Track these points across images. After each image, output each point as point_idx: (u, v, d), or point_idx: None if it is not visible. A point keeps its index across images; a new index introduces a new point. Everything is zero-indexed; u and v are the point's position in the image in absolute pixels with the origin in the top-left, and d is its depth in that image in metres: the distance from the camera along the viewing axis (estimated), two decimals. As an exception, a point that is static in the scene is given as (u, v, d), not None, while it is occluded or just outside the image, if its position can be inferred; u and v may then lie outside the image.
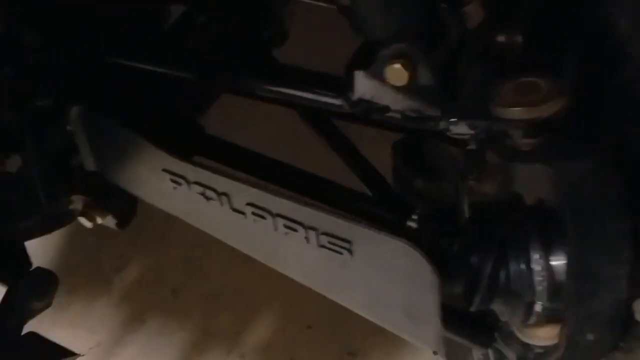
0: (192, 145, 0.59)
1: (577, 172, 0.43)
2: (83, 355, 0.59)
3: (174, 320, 1.12)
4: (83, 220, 0.67)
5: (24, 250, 0.63)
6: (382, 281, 0.48)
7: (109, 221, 0.67)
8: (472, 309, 0.54)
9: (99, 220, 0.68)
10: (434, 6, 0.44)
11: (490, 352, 0.65)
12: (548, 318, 0.52)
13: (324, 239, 0.48)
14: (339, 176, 0.65)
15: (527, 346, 0.57)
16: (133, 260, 1.21)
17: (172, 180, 0.55)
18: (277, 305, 1.08)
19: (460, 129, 0.46)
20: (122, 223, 0.68)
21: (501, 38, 0.43)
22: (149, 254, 1.20)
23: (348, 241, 0.47)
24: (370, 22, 0.43)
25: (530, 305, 0.50)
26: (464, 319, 0.60)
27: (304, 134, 0.67)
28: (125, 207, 0.67)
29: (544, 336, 0.53)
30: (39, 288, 0.58)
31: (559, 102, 0.42)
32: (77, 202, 0.65)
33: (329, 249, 0.49)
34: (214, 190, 0.52)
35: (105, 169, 0.61)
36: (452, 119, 0.45)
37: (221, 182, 0.51)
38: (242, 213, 0.53)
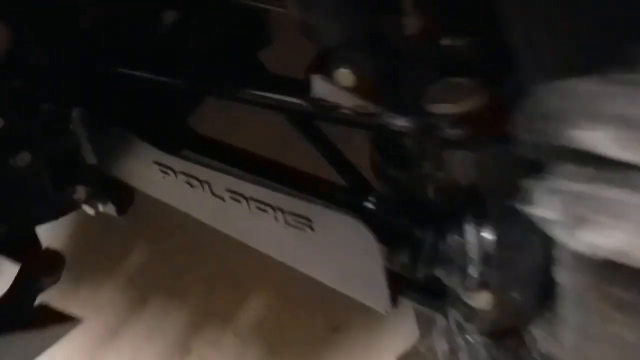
0: (180, 141, 0.67)
1: (494, 157, 0.51)
2: (82, 320, 0.67)
3: (174, 302, 1.21)
4: (86, 208, 0.76)
5: (34, 234, 0.71)
6: (338, 251, 0.57)
7: (110, 208, 0.76)
8: (418, 274, 0.63)
9: (101, 208, 0.77)
10: (376, 18, 0.52)
11: (451, 319, 0.74)
12: (482, 282, 0.61)
13: (290, 218, 0.57)
14: (321, 169, 0.74)
15: (471, 309, 0.66)
16: (137, 249, 1.30)
17: (162, 171, 0.64)
18: (267, 287, 1.16)
19: (400, 122, 0.54)
20: (121, 210, 0.77)
21: (432, 45, 0.51)
22: (152, 243, 1.29)
23: (309, 219, 0.55)
24: (320, 33, 0.51)
25: (465, 270, 0.58)
26: (418, 288, 0.69)
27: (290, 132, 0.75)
28: (124, 196, 0.75)
29: (482, 299, 0.62)
30: (48, 266, 0.67)
31: (479, 99, 0.50)
32: (81, 192, 0.74)
33: (294, 226, 0.57)
34: (197, 178, 0.60)
35: (103, 163, 0.70)
36: (392, 114, 0.53)
37: (203, 172, 0.59)
38: (222, 198, 0.61)
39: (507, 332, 0.68)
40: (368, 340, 1.09)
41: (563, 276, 0.31)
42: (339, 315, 1.11)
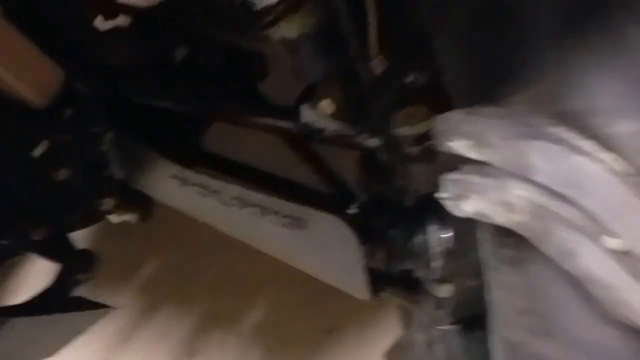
0: (193, 157, 0.81)
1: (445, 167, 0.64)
2: (116, 308, 0.79)
3: (182, 308, 1.33)
4: (112, 217, 0.89)
5: (68, 239, 0.84)
6: (325, 248, 0.69)
7: (133, 218, 0.89)
8: (393, 269, 0.75)
9: (125, 217, 0.90)
10: (350, 60, 0.65)
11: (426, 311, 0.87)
12: (444, 274, 0.73)
13: (285, 220, 0.70)
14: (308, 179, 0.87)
15: (438, 299, 0.78)
16: (147, 260, 1.43)
17: (178, 184, 0.77)
18: (267, 293, 1.28)
19: (372, 142, 0.67)
20: (142, 219, 0.89)
21: (395, 81, 0.65)
22: (161, 253, 1.42)
23: (301, 220, 0.68)
24: (306, 72, 0.64)
25: (429, 263, 0.71)
26: (396, 283, 0.81)
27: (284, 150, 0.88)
28: (145, 206, 0.88)
29: (445, 288, 0.75)
30: (82, 265, 0.80)
31: (431, 122, 0.63)
32: (108, 203, 0.87)
33: (288, 226, 0.70)
34: (208, 188, 0.73)
35: (130, 177, 0.83)
36: (366, 136, 0.66)
37: (213, 183, 0.72)
38: (229, 205, 0.74)
39: (473, 320, 0.81)
40: (360, 339, 1.21)
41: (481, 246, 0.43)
42: (333, 318, 1.23)
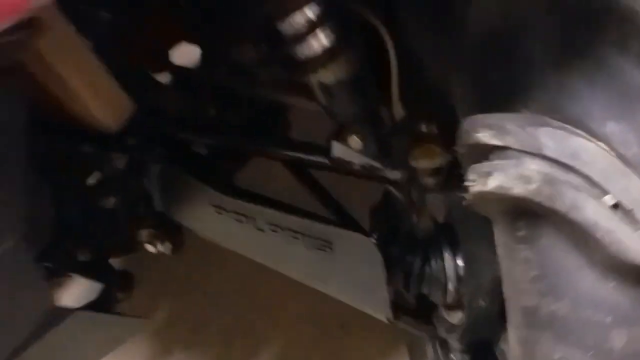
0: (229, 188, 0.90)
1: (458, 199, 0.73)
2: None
3: (196, 353, 1.37)
4: (149, 247, 0.97)
5: (109, 263, 0.92)
6: (352, 267, 0.77)
7: (167, 249, 0.97)
8: (410, 293, 0.83)
9: (160, 248, 0.97)
10: (374, 107, 0.76)
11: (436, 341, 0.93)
12: (457, 298, 0.80)
13: (315, 242, 0.78)
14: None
15: (450, 325, 0.85)
16: (161, 306, 1.48)
17: (216, 211, 0.85)
18: (279, 335, 1.33)
19: (393, 175, 0.77)
20: (175, 250, 0.97)
21: (412, 124, 0.75)
22: (174, 301, 1.47)
23: (329, 242, 0.77)
24: (338, 114, 0.75)
25: (445, 286, 0.79)
26: (410, 312, 0.88)
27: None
28: (179, 237, 0.96)
29: (458, 317, 0.82)
30: (122, 284, 0.87)
31: (445, 157, 0.73)
32: (147, 233, 0.95)
33: (318, 248, 0.78)
34: (244, 215, 0.82)
35: (168, 209, 0.92)
36: (388, 169, 0.76)
37: (249, 208, 0.81)
38: (263, 230, 0.82)
39: (482, 348, 0.87)
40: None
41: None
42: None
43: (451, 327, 0.85)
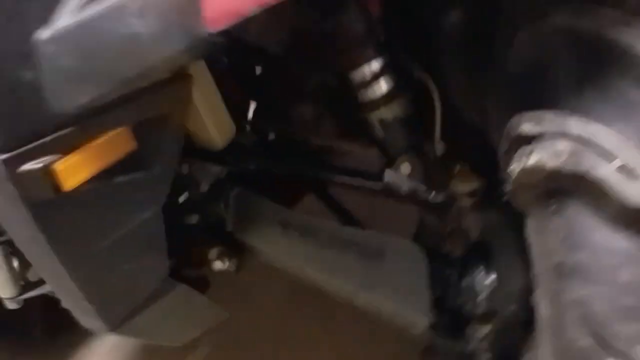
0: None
1: (495, 218, 0.89)
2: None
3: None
4: (217, 264, 1.11)
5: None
6: (398, 274, 0.91)
7: (232, 265, 1.11)
8: (447, 304, 0.96)
9: (226, 266, 1.12)
10: (420, 141, 0.93)
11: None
12: (488, 311, 0.93)
13: (367, 251, 0.93)
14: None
15: (480, 336, 0.97)
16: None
17: (282, 229, 1.00)
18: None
19: (436, 198, 0.93)
20: (237, 270, 1.11)
21: (450, 156, 0.92)
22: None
23: (381, 249, 0.91)
24: (392, 146, 0.92)
25: (477, 298, 0.92)
26: (443, 326, 1.01)
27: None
28: (242, 258, 1.11)
29: (488, 329, 0.95)
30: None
31: (479, 182, 0.90)
32: (216, 251, 1.10)
33: (368, 257, 0.93)
34: (307, 228, 0.97)
35: (237, 229, 1.07)
36: (431, 193, 0.92)
37: (312, 221, 0.96)
38: (323, 246, 0.97)
39: (506, 358, 0.99)
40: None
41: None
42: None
43: (481, 339, 0.97)
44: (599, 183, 0.51)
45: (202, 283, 1.02)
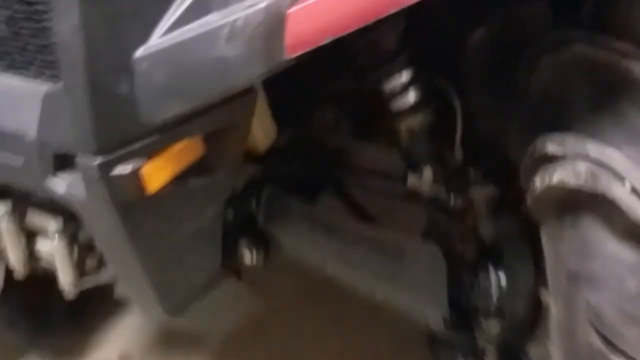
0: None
1: (509, 225, 0.97)
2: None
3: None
4: (246, 256, 1.18)
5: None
6: (418, 274, 1.00)
7: (260, 259, 1.18)
8: (460, 303, 1.04)
9: (254, 258, 1.19)
10: (442, 149, 1.02)
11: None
12: (499, 310, 1.02)
13: (390, 251, 1.01)
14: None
15: (490, 335, 1.06)
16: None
17: (309, 225, 1.08)
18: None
19: (455, 203, 1.01)
20: (265, 265, 1.19)
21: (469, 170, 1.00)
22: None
23: (404, 249, 1.00)
24: (416, 152, 1.01)
25: (491, 298, 1.01)
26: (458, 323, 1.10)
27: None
28: (270, 254, 1.19)
29: (497, 327, 1.03)
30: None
31: (491, 192, 0.98)
32: (246, 244, 1.17)
33: (391, 256, 1.01)
34: (333, 226, 1.05)
35: (266, 225, 1.15)
36: (451, 198, 1.00)
37: (338, 219, 1.05)
38: (347, 242, 1.06)
39: (511, 354, 1.08)
40: None
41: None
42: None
43: (490, 337, 1.06)
44: (614, 202, 0.60)
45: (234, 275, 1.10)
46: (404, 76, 0.96)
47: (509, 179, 0.95)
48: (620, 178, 0.60)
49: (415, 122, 0.98)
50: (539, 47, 0.79)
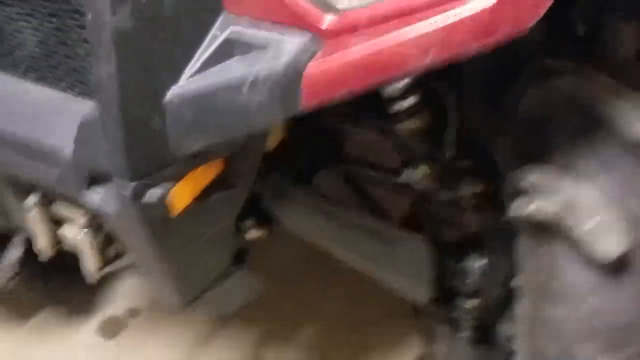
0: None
1: (491, 217, 1.07)
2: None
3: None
4: (251, 232, 1.28)
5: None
6: (405, 261, 1.10)
7: (262, 235, 1.28)
8: (443, 283, 1.16)
9: (258, 234, 1.29)
10: (437, 147, 1.10)
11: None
12: (477, 288, 1.14)
13: (381, 238, 1.11)
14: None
15: (467, 309, 1.18)
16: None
17: (312, 208, 1.18)
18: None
19: (445, 196, 1.10)
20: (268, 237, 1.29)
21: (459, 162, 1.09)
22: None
23: (393, 240, 1.10)
24: (412, 152, 1.08)
25: (468, 279, 1.12)
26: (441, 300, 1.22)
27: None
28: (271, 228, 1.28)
29: (474, 304, 1.15)
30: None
31: (482, 186, 1.07)
32: (251, 222, 1.27)
33: (382, 243, 1.11)
34: (333, 215, 1.15)
35: (270, 204, 1.24)
36: (443, 191, 1.09)
37: (337, 211, 1.14)
38: (343, 228, 1.15)
39: (485, 332, 1.21)
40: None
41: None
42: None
43: (467, 311, 1.18)
44: (580, 236, 0.70)
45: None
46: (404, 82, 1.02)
47: (497, 176, 1.04)
48: (589, 212, 0.69)
49: (413, 123, 1.05)
50: (529, 74, 0.86)
